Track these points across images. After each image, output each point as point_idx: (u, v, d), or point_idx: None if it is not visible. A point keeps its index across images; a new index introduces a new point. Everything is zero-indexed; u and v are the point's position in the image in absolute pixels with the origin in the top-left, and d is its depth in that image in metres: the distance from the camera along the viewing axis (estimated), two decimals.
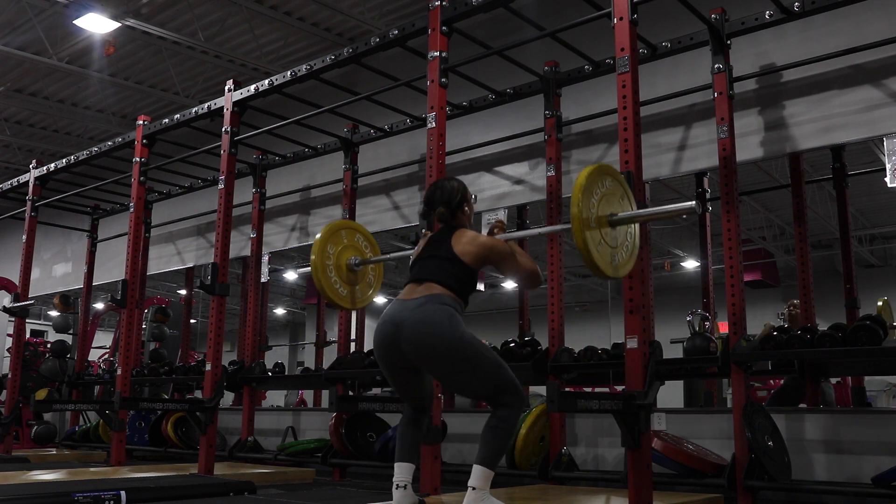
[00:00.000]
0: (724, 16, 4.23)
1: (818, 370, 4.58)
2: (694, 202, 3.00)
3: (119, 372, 5.97)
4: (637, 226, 3.17)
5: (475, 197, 3.33)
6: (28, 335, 8.95)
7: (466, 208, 3.20)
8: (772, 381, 8.23)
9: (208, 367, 5.18)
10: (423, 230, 3.39)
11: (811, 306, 5.04)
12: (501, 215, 5.45)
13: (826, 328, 3.89)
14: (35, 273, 8.43)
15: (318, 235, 3.98)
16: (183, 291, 10.87)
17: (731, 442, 3.85)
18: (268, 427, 6.69)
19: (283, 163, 6.86)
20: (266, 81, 5.41)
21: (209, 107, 5.81)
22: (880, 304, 6.09)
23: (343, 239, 4.04)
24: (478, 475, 2.80)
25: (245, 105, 5.57)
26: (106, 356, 10.53)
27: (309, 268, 3.95)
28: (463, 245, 3.02)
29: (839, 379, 6.30)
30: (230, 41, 7.87)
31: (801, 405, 5.45)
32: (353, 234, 4.10)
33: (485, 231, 3.49)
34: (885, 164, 4.06)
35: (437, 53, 4.20)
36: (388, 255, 4.20)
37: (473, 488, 2.80)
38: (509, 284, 17.32)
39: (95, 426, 7.46)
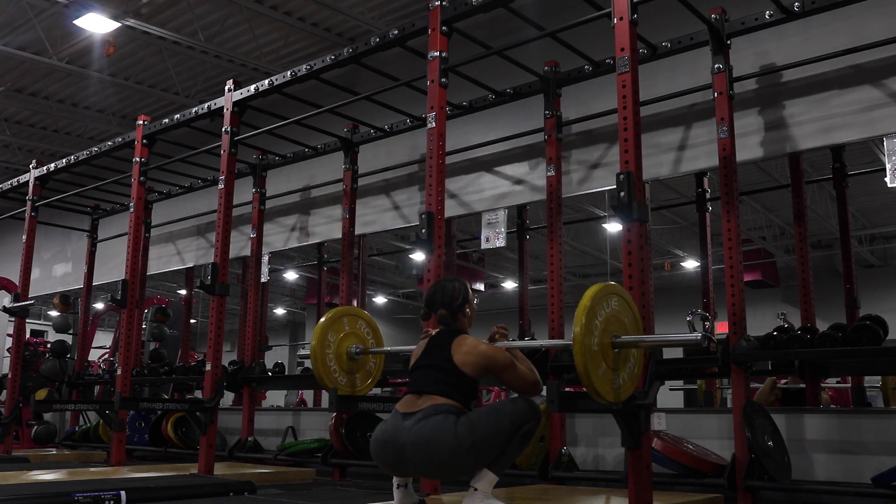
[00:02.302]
0: (724, 16, 4.22)
1: (818, 370, 4.57)
2: (700, 335, 2.79)
3: (119, 372, 5.97)
4: (640, 350, 3.06)
5: (477, 299, 3.28)
6: (28, 335, 8.94)
7: (468, 310, 3.14)
8: None
9: (208, 367, 5.18)
10: (424, 330, 3.34)
11: (811, 306, 5.03)
12: (501, 215, 5.44)
13: (826, 328, 3.90)
14: (35, 273, 8.44)
15: (321, 321, 3.88)
16: (183, 291, 10.85)
17: (731, 442, 3.86)
18: (268, 427, 6.70)
19: (283, 163, 6.86)
20: (266, 81, 5.41)
21: (209, 107, 5.81)
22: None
23: (345, 326, 3.95)
24: (481, 477, 2.80)
25: (245, 105, 5.57)
26: (106, 356, 10.52)
27: (308, 352, 3.89)
28: (463, 355, 2.96)
29: (839, 379, 6.30)
30: (230, 41, 7.87)
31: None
32: (355, 322, 4.01)
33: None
34: (885, 164, 4.05)
35: (437, 53, 4.20)
36: (390, 348, 4.10)
37: (475, 489, 2.80)
38: (509, 284, 17.28)
39: (95, 426, 7.47)
